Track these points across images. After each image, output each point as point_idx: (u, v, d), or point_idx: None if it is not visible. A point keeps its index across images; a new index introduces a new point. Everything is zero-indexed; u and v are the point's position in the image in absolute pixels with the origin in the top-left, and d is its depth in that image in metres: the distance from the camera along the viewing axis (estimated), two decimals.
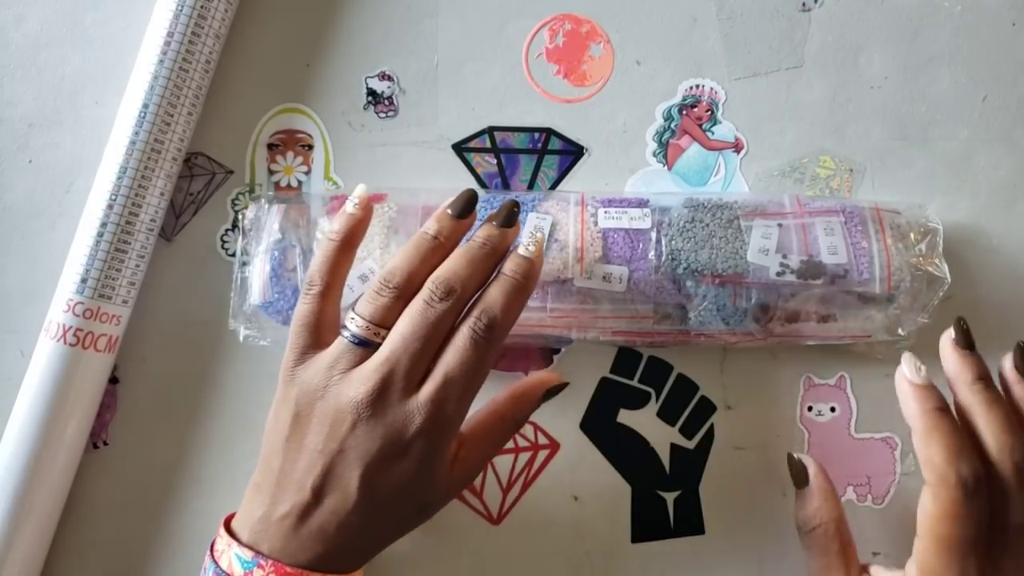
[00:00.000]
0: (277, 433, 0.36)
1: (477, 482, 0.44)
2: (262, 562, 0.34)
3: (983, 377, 0.36)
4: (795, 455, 0.40)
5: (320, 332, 0.37)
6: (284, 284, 0.42)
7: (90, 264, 0.41)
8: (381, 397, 0.34)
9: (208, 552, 0.37)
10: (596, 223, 0.41)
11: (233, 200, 0.45)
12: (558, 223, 0.41)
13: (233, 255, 0.45)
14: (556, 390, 0.39)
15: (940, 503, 0.34)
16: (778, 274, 0.40)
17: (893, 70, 0.46)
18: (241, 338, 0.43)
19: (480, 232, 0.37)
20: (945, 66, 0.46)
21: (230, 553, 0.35)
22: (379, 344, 0.35)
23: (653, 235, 0.41)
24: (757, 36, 0.46)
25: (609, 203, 0.42)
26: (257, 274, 0.42)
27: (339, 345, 0.36)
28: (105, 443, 0.44)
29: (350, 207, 0.38)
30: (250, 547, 0.35)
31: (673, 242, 0.40)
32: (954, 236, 0.44)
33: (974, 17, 0.46)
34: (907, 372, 0.37)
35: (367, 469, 0.34)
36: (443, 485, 0.36)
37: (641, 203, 0.42)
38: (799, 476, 0.40)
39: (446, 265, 0.36)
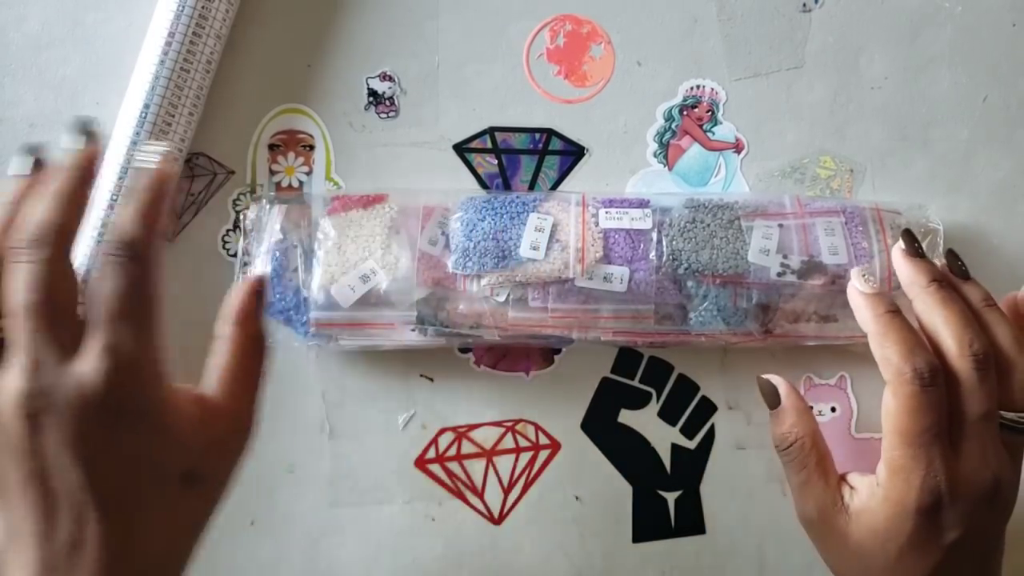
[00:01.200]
0: None
1: (478, 482, 0.44)
2: None
3: (936, 279, 0.37)
4: (763, 376, 0.40)
5: None
6: (286, 284, 0.42)
7: (91, 265, 0.41)
8: (38, 380, 0.28)
9: None
10: (597, 223, 0.41)
11: (234, 200, 0.45)
12: (559, 223, 0.41)
13: (234, 255, 0.45)
14: (259, 287, 0.34)
15: (899, 398, 0.35)
16: (779, 274, 0.40)
17: (893, 71, 0.46)
18: None
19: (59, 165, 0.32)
20: (945, 67, 0.46)
21: None
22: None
23: (654, 235, 0.41)
24: (758, 37, 0.46)
25: (610, 204, 0.42)
26: None
27: None
28: None
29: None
30: None
31: (674, 242, 0.40)
32: (955, 236, 0.44)
33: (974, 18, 0.46)
34: (857, 284, 0.38)
35: (83, 463, 0.28)
36: (195, 441, 0.31)
37: (642, 204, 0.42)
38: (770, 396, 0.39)
39: (24, 215, 0.30)
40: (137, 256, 0.30)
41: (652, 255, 0.40)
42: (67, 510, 0.28)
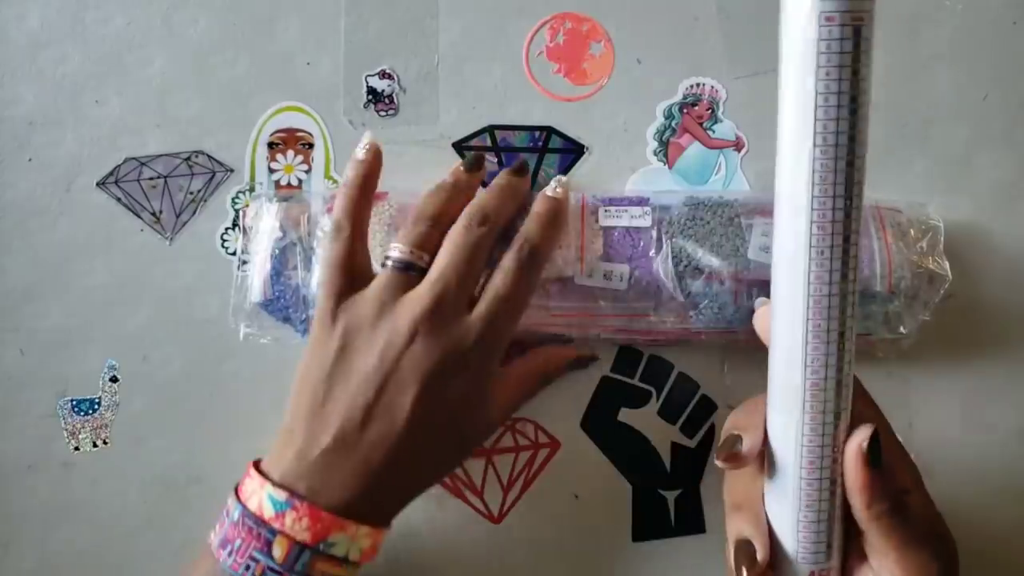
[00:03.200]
0: (317, 370, 0.36)
1: (477, 480, 0.44)
2: (296, 503, 0.34)
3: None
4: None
5: (354, 273, 0.38)
6: (285, 282, 0.42)
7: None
8: (437, 313, 0.36)
9: (233, 494, 0.36)
10: (597, 221, 0.41)
11: (233, 199, 0.45)
12: None
13: (233, 254, 0.45)
14: (585, 362, 0.43)
15: None
16: None
17: (893, 69, 0.46)
18: (241, 336, 0.43)
19: (498, 177, 0.41)
20: (945, 65, 0.46)
21: (262, 493, 0.34)
22: (424, 268, 0.38)
23: (654, 233, 0.41)
24: (758, 34, 0.46)
25: (610, 202, 0.42)
26: (258, 272, 0.42)
27: (385, 275, 0.38)
28: (105, 443, 0.44)
29: (360, 153, 0.40)
30: (284, 487, 0.34)
31: (674, 240, 0.40)
32: (955, 235, 0.44)
33: (975, 16, 0.46)
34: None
35: (422, 387, 0.36)
36: (484, 417, 0.39)
37: (641, 202, 0.42)
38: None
39: (476, 200, 0.39)
40: (535, 265, 0.39)
41: (652, 253, 0.40)
42: (384, 416, 0.36)
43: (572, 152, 0.45)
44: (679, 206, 0.41)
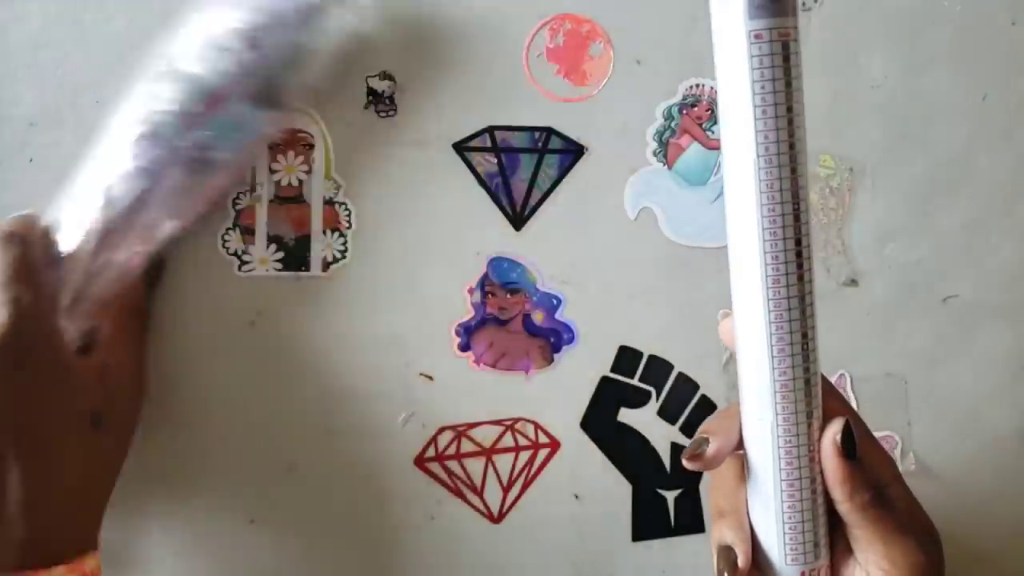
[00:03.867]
0: None
1: (477, 480, 0.44)
2: None
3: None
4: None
5: None
6: None
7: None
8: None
9: None
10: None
11: (234, 199, 0.45)
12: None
13: (233, 254, 0.45)
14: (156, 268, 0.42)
15: None
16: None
17: (893, 69, 0.46)
18: None
19: None
20: (945, 65, 0.46)
21: None
22: None
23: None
24: None
25: None
26: None
27: None
28: None
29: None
30: None
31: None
32: (955, 235, 0.45)
33: (974, 16, 0.46)
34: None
35: None
36: (98, 387, 0.37)
37: None
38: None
39: None
40: (13, 236, 0.37)
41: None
42: None
43: (572, 153, 0.46)
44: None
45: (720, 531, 0.33)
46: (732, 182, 0.30)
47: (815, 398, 0.32)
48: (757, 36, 0.29)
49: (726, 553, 0.33)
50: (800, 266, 0.30)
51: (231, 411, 0.45)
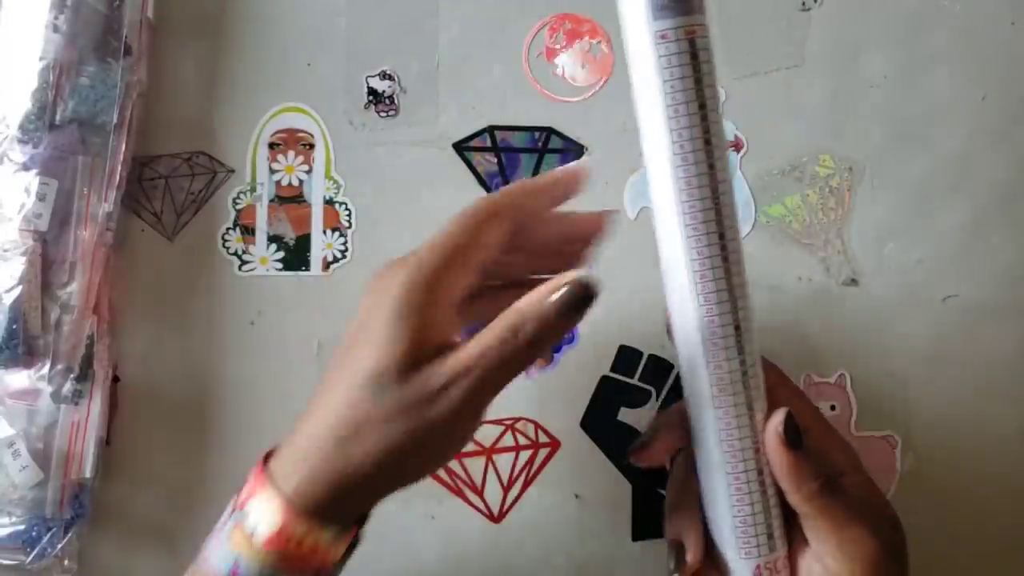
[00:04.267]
0: None
1: (478, 480, 0.44)
2: (256, 468, 0.31)
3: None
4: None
5: None
6: None
7: None
8: None
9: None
10: None
11: (234, 199, 0.46)
12: None
13: (234, 254, 0.45)
14: (581, 295, 0.30)
15: None
16: None
17: (893, 69, 0.46)
18: None
19: None
20: (945, 65, 0.46)
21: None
22: None
23: None
24: (757, 35, 0.46)
25: None
26: None
27: None
28: (107, 442, 0.44)
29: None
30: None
31: None
32: (955, 235, 0.45)
33: (974, 16, 0.46)
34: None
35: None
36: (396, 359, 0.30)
37: None
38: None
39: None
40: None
41: None
42: None
43: (572, 153, 0.46)
44: None
45: (673, 526, 0.34)
46: (654, 183, 0.31)
47: (754, 390, 0.32)
48: (663, 36, 0.29)
49: (676, 548, 0.33)
50: (726, 259, 0.30)
51: (231, 411, 0.45)
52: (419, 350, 0.30)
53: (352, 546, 0.32)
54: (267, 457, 0.32)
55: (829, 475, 0.32)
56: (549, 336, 0.30)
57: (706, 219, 0.30)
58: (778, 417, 0.32)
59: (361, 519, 0.33)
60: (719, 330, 0.31)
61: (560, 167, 0.35)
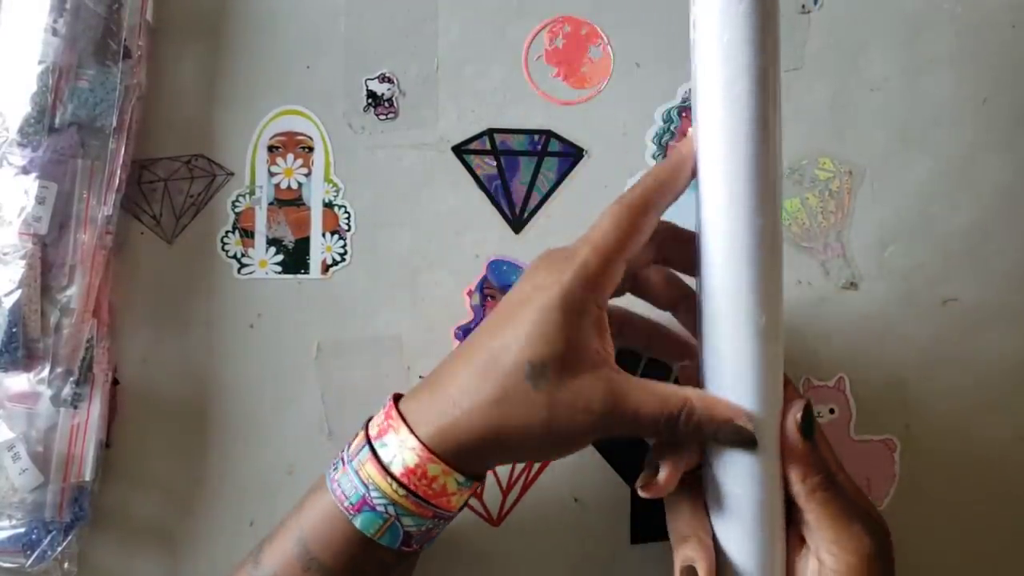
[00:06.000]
0: None
1: None
2: (387, 403, 0.35)
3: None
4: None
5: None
6: None
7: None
8: None
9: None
10: None
11: (233, 202, 0.46)
12: None
13: (233, 257, 0.45)
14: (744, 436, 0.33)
15: None
16: None
17: (893, 72, 0.46)
18: None
19: None
20: (945, 68, 0.46)
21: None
22: None
23: None
24: None
25: None
26: None
27: None
28: (107, 445, 0.44)
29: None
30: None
31: None
32: (955, 238, 0.44)
33: (974, 19, 0.46)
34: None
35: None
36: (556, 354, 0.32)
37: None
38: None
39: None
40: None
41: None
42: None
43: (571, 156, 0.46)
44: None
45: (685, 553, 0.34)
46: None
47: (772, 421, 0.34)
48: None
49: (688, 572, 0.34)
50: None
51: (230, 413, 0.45)
52: (580, 351, 0.32)
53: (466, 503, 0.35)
54: (395, 399, 0.35)
55: (830, 467, 0.34)
56: (691, 440, 0.34)
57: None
58: (797, 406, 0.33)
59: (481, 476, 0.35)
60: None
61: (670, 153, 0.38)
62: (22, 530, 0.42)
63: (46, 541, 0.42)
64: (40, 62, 0.41)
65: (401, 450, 0.33)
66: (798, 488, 0.33)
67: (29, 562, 0.42)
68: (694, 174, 0.34)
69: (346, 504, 0.33)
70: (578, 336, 0.32)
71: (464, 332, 0.45)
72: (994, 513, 0.44)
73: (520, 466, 0.44)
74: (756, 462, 0.33)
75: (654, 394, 0.32)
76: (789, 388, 0.35)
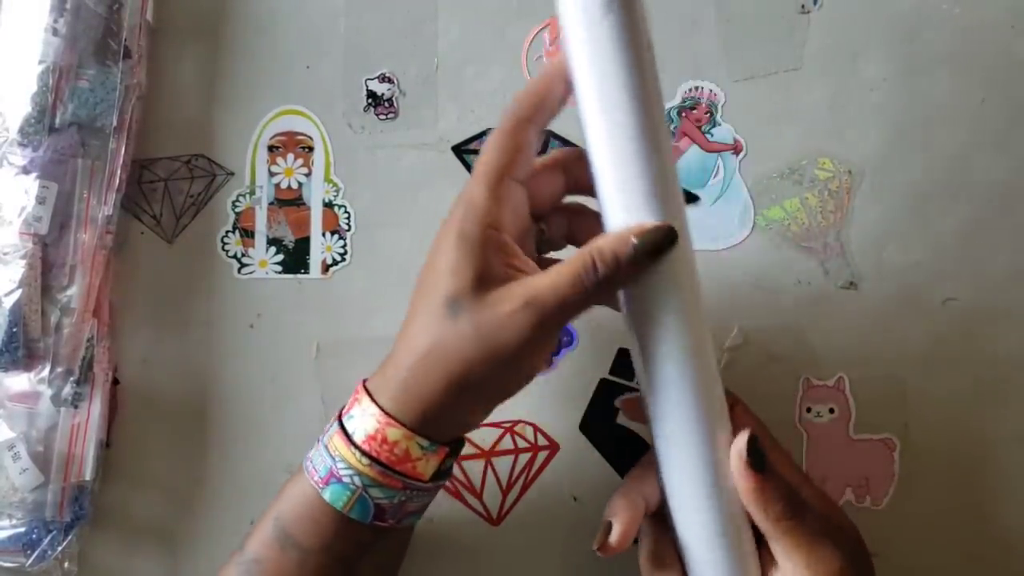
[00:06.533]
0: None
1: (476, 482, 0.44)
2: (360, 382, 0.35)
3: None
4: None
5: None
6: None
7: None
8: None
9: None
10: None
11: (233, 202, 0.46)
12: None
13: (233, 256, 0.45)
14: (665, 239, 0.32)
15: None
16: None
17: (892, 72, 0.46)
18: None
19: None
20: (944, 68, 0.46)
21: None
22: None
23: None
24: (756, 38, 0.46)
25: None
26: None
27: None
28: (107, 444, 0.44)
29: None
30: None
31: None
32: (955, 238, 0.45)
33: (973, 20, 0.46)
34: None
35: None
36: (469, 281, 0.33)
37: None
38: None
39: None
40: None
41: None
42: None
43: None
44: None
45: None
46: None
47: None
48: None
49: (606, 527, 0.35)
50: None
51: (231, 413, 0.45)
52: (488, 274, 0.32)
53: (441, 473, 0.35)
54: (365, 381, 0.35)
55: (789, 492, 0.33)
56: (621, 277, 0.32)
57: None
58: (741, 440, 0.33)
59: (452, 447, 0.35)
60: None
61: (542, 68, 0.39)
62: (22, 530, 0.42)
63: (46, 541, 0.42)
64: (40, 62, 0.41)
65: (363, 418, 0.33)
66: (760, 520, 0.33)
67: (29, 562, 0.42)
68: (569, 88, 0.35)
69: (316, 479, 0.34)
70: (482, 263, 0.32)
71: None
72: (994, 513, 0.44)
73: (520, 465, 0.44)
74: (713, 490, 0.33)
75: (563, 266, 0.32)
76: (737, 410, 0.35)
